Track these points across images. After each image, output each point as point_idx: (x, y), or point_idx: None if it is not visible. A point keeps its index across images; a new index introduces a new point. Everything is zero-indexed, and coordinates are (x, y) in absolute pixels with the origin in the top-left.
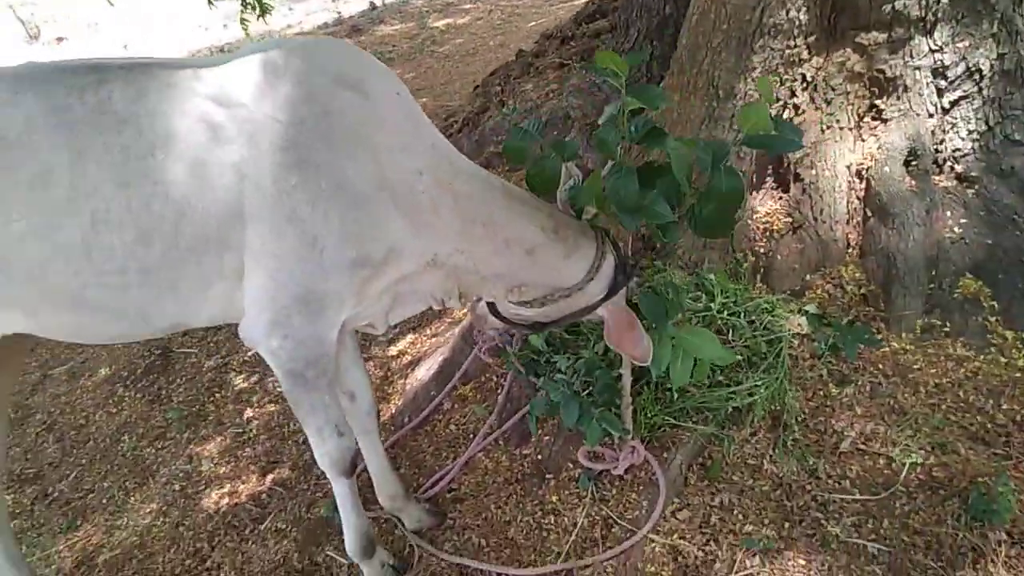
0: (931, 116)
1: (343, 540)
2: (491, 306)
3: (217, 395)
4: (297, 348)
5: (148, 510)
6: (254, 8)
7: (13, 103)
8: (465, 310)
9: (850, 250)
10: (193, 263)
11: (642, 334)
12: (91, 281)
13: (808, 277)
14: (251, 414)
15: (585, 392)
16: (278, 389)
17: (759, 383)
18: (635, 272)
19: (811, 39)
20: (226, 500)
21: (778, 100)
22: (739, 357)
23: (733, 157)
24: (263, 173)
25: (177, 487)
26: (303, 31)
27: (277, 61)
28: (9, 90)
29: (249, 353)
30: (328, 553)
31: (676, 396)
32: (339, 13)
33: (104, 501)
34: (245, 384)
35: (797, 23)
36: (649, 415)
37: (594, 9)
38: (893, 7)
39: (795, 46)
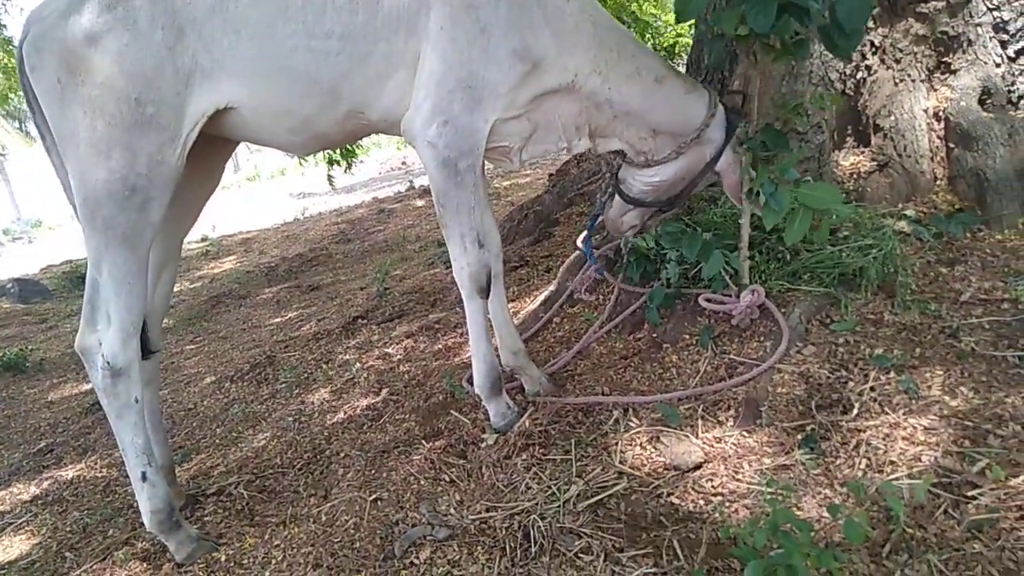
0: (998, 65)
1: (464, 406)
2: (622, 194)
3: (324, 366)
4: (454, 135)
5: (261, 438)
6: None
7: None
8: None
9: (938, 182)
10: (384, 40)
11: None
12: (301, 44)
13: (900, 206)
14: (359, 367)
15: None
16: (387, 350)
17: (870, 243)
18: (742, 115)
19: (875, 11)
20: (340, 415)
21: (850, 62)
22: (855, 215)
23: None
24: None
25: (290, 419)
26: None
27: None
28: None
29: (352, 341)
30: (452, 414)
31: (789, 257)
32: None
33: (216, 441)
34: (351, 357)
35: None
36: (763, 277)
37: None
38: None
39: None
